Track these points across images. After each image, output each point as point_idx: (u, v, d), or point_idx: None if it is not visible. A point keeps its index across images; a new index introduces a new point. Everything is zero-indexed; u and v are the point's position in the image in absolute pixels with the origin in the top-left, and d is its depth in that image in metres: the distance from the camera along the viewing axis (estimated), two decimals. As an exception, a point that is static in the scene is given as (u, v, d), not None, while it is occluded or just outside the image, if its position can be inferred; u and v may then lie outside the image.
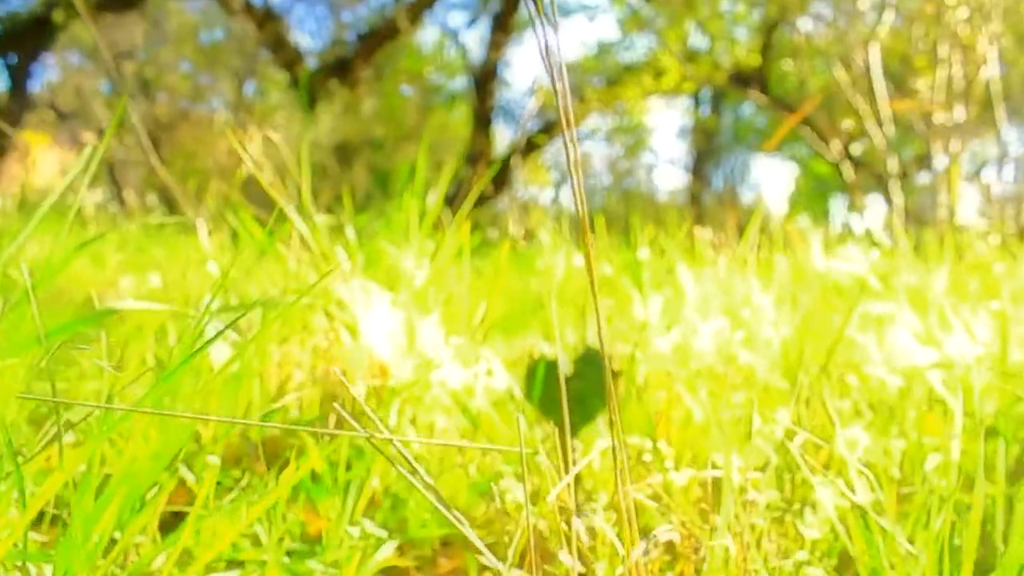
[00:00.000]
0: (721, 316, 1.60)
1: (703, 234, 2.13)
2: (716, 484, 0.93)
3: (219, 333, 0.71)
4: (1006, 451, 1.11)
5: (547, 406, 0.91)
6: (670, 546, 0.80)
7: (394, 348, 1.34)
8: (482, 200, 2.93)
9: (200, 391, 1.43)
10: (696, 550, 0.76)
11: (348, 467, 1.03)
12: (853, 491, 0.84)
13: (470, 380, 1.34)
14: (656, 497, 0.86)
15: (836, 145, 5.80)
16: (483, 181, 1.85)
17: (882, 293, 2.29)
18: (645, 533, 0.89)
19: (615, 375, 0.88)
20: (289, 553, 1.02)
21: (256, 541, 1.03)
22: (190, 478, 1.04)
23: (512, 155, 10.51)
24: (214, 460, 0.71)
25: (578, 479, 0.88)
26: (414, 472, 0.65)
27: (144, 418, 1.28)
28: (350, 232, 1.74)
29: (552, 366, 0.88)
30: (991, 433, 1.26)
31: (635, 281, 2.42)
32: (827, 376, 1.06)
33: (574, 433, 0.88)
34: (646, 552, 0.73)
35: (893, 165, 4.87)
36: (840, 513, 0.85)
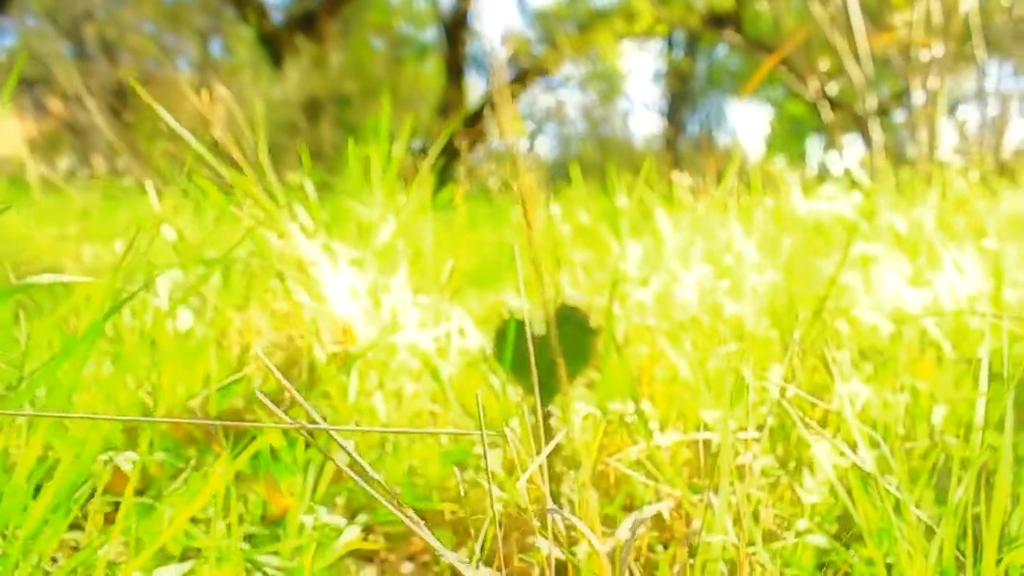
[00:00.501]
0: (703, 264, 1.53)
1: (681, 179, 2.05)
2: (706, 446, 0.86)
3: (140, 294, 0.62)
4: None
5: (519, 370, 0.84)
6: (659, 520, 0.73)
7: (358, 309, 1.26)
8: (456, 153, 2.83)
9: (157, 363, 1.34)
10: (687, 523, 0.69)
11: (307, 445, 0.95)
12: (855, 450, 0.77)
13: (441, 341, 1.26)
14: (640, 465, 0.79)
15: (814, 84, 5.70)
16: (449, 128, 1.76)
17: (867, 233, 2.23)
18: (630, 507, 0.82)
19: (594, 332, 0.81)
20: (249, 537, 0.95)
21: (213, 526, 0.95)
22: (129, 464, 0.96)
23: (485, 106, 10.34)
24: (131, 456, 0.63)
25: (557, 448, 0.82)
26: (354, 464, 0.57)
27: (89, 394, 1.19)
28: (310, 188, 1.65)
29: (523, 325, 0.80)
30: (993, 378, 1.20)
31: (613, 230, 2.34)
32: (822, 324, 0.99)
33: (549, 398, 0.81)
34: (632, 530, 0.66)
35: (872, 103, 4.78)
36: (840, 473, 0.78)
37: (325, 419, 1.09)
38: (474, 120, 10.58)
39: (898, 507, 0.64)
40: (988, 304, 1.44)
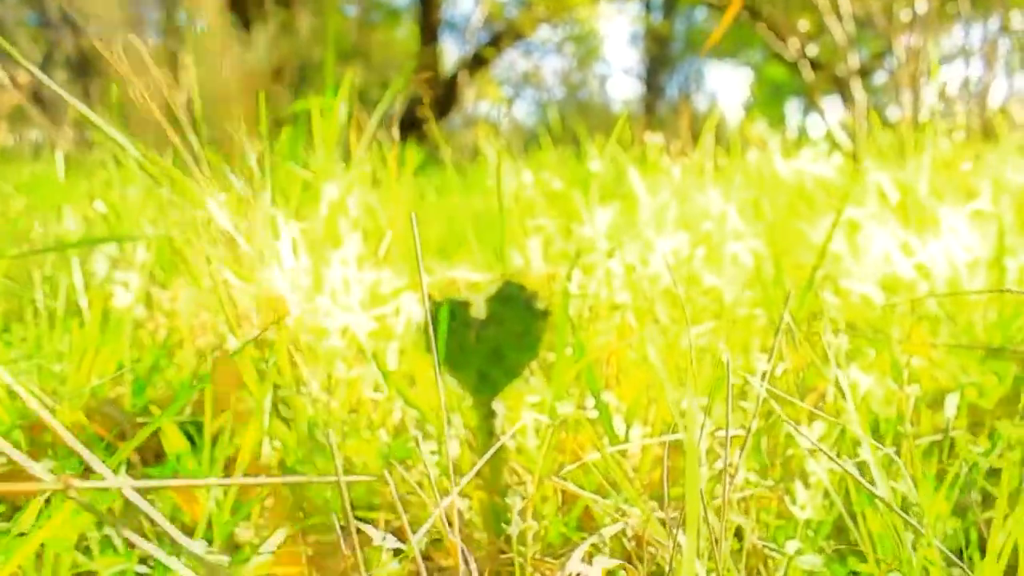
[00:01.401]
0: (679, 230, 1.40)
1: (654, 139, 1.91)
2: (678, 448, 0.74)
3: None
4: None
5: (456, 362, 0.71)
6: (619, 544, 0.61)
7: (293, 288, 1.12)
8: (429, 119, 2.68)
9: (72, 351, 1.20)
10: (653, 553, 0.56)
11: (215, 442, 0.82)
12: (855, 452, 0.65)
13: (386, 321, 1.13)
14: (600, 470, 0.67)
15: (794, 43, 5.56)
16: (398, 85, 1.62)
17: (854, 196, 2.11)
18: (589, 526, 0.70)
19: (542, 314, 0.68)
20: (146, 560, 0.82)
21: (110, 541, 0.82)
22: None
23: (460, 71, 10.13)
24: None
25: (501, 455, 0.69)
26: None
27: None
28: (251, 156, 1.50)
29: (459, 310, 0.67)
30: (994, 354, 1.08)
31: (584, 195, 2.21)
32: (812, 298, 0.87)
33: (493, 394, 0.69)
34: (588, 559, 0.53)
35: (854, 62, 4.64)
36: (837, 480, 0.66)
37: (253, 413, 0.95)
38: (449, 85, 10.37)
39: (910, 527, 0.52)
40: (987, 271, 1.32)
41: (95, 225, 1.81)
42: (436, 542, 0.86)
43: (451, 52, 12.39)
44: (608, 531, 0.58)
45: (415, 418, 0.92)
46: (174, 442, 0.81)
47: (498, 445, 0.59)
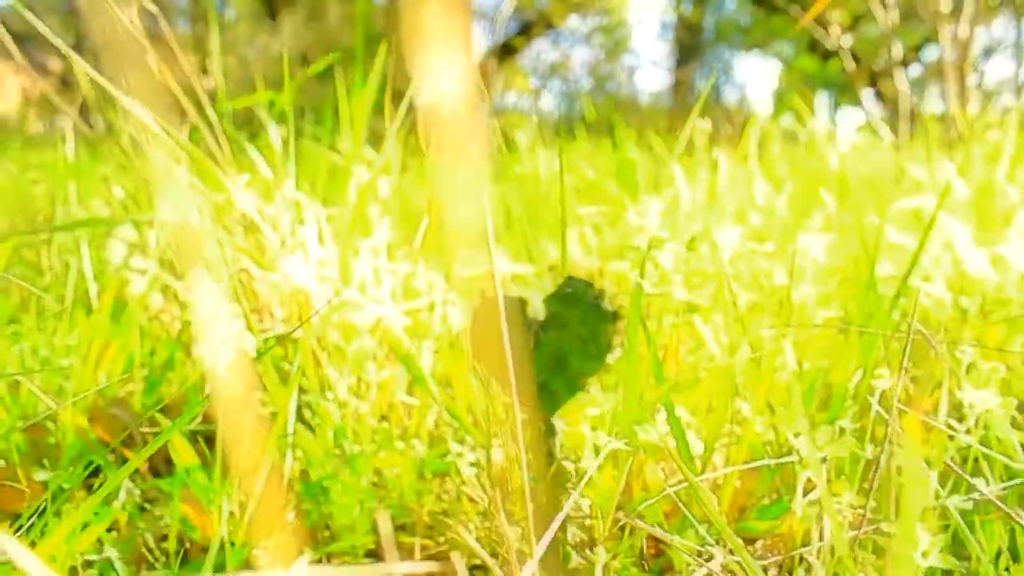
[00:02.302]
0: (733, 223, 1.29)
1: (702, 124, 1.80)
2: (755, 474, 0.64)
3: None
4: None
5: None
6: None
7: (319, 280, 1.03)
8: None
9: (80, 343, 1.12)
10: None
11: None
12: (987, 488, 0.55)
13: (421, 316, 1.03)
14: (680, 500, 0.57)
15: (835, 31, 5.40)
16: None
17: (910, 189, 1.99)
18: (670, 568, 0.60)
19: (611, 317, 0.58)
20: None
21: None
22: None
23: (489, 59, 10.02)
24: None
25: (561, 480, 0.59)
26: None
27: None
28: (274, 135, 1.41)
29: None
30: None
31: (625, 183, 2.10)
32: (912, 303, 0.76)
33: (553, 409, 0.59)
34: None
35: (897, 51, 4.49)
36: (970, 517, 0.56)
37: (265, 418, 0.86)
38: (479, 74, 10.26)
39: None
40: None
41: (114, 211, 1.72)
42: (477, 569, 0.76)
43: (480, 41, 12.29)
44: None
45: (453, 428, 0.83)
46: (183, 455, 0.72)
47: (570, 503, 0.50)
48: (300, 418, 0.87)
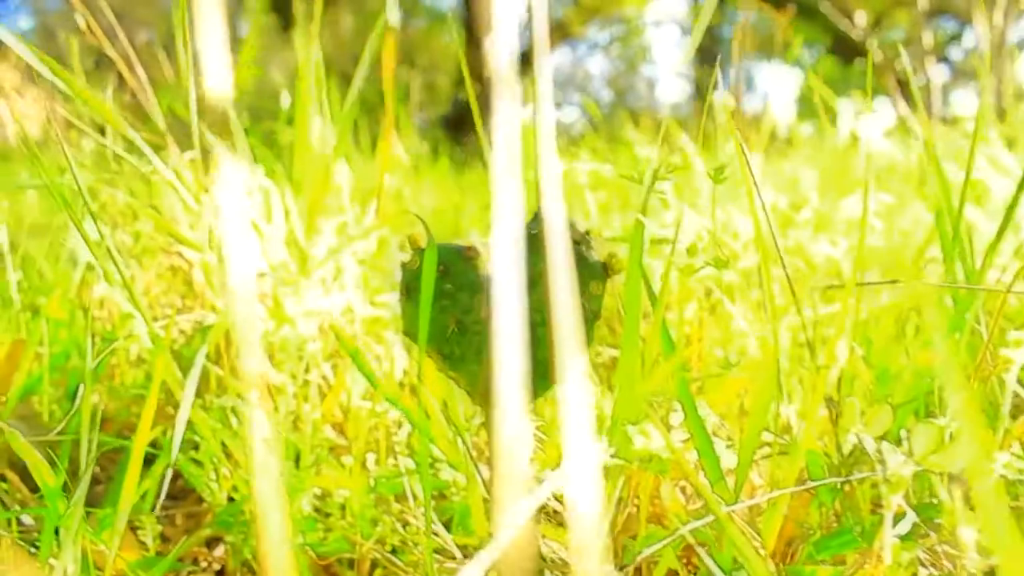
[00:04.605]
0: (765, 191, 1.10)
1: (726, 100, 1.61)
2: (802, 499, 0.45)
3: None
4: None
5: (449, 351, 0.43)
6: None
7: (265, 264, 0.85)
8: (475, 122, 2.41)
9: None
10: None
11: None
12: None
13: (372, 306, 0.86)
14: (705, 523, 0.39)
15: (861, 24, 5.19)
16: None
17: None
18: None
19: (602, 271, 0.40)
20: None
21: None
22: None
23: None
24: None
25: (534, 513, 0.42)
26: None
27: None
28: (236, 128, 1.24)
29: (457, 263, 0.39)
30: None
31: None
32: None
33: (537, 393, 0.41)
34: None
35: (928, 40, 4.28)
36: None
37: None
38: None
39: None
40: None
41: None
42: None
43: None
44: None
45: (406, 437, 0.65)
46: (48, 479, 0.55)
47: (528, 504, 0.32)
48: (228, 427, 0.69)
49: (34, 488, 0.76)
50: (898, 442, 0.40)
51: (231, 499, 0.71)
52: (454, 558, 0.55)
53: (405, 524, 0.64)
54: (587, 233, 0.40)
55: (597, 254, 0.40)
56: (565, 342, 0.34)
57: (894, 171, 2.24)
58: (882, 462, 0.36)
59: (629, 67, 14.61)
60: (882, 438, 0.38)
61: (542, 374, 0.41)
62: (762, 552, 0.41)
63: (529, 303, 0.40)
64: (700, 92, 14.91)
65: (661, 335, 0.43)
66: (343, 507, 0.68)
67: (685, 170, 1.13)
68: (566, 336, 0.33)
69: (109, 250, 0.54)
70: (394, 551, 0.60)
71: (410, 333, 0.40)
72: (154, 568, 0.61)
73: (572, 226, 0.40)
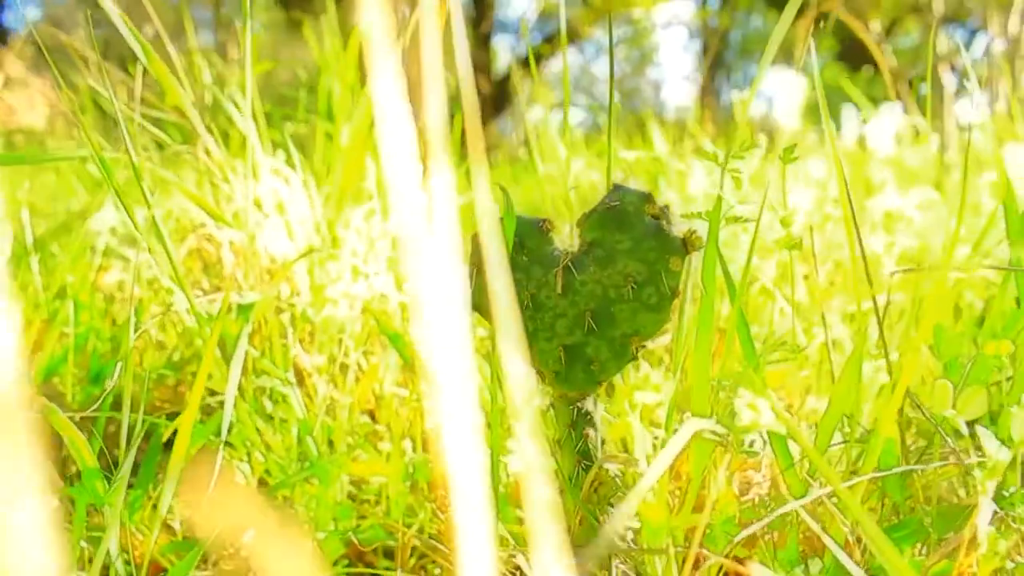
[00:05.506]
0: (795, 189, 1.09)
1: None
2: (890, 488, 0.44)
3: None
4: None
5: (523, 329, 0.41)
6: None
7: (295, 248, 0.84)
8: (484, 120, 2.43)
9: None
10: None
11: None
12: None
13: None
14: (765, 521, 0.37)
15: (875, 28, 5.17)
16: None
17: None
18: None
19: (679, 247, 0.38)
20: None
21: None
22: None
23: (513, 70, 9.87)
24: None
25: (604, 494, 0.40)
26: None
27: None
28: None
29: (532, 236, 0.38)
30: None
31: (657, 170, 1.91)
32: None
33: (588, 388, 0.40)
34: None
35: (941, 45, 4.25)
36: None
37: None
38: (501, 85, 10.16)
39: None
40: None
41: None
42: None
43: (504, 52, 12.17)
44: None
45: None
46: (87, 459, 0.53)
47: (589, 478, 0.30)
48: (259, 410, 0.68)
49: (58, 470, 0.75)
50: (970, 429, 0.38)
51: (262, 482, 0.70)
52: (501, 546, 0.53)
53: (443, 511, 0.63)
54: (666, 207, 0.39)
55: (676, 228, 0.39)
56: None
57: (907, 174, 2.25)
58: (978, 447, 0.34)
59: (636, 71, 14.59)
60: (974, 422, 0.36)
61: (616, 355, 0.40)
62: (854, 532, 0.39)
63: (608, 280, 0.38)
64: (705, 90, 14.87)
65: (738, 325, 0.41)
66: (379, 494, 0.67)
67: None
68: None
69: (155, 222, 0.53)
70: (431, 539, 0.59)
71: (480, 308, 0.39)
72: (187, 553, 0.60)
73: (651, 199, 0.39)
